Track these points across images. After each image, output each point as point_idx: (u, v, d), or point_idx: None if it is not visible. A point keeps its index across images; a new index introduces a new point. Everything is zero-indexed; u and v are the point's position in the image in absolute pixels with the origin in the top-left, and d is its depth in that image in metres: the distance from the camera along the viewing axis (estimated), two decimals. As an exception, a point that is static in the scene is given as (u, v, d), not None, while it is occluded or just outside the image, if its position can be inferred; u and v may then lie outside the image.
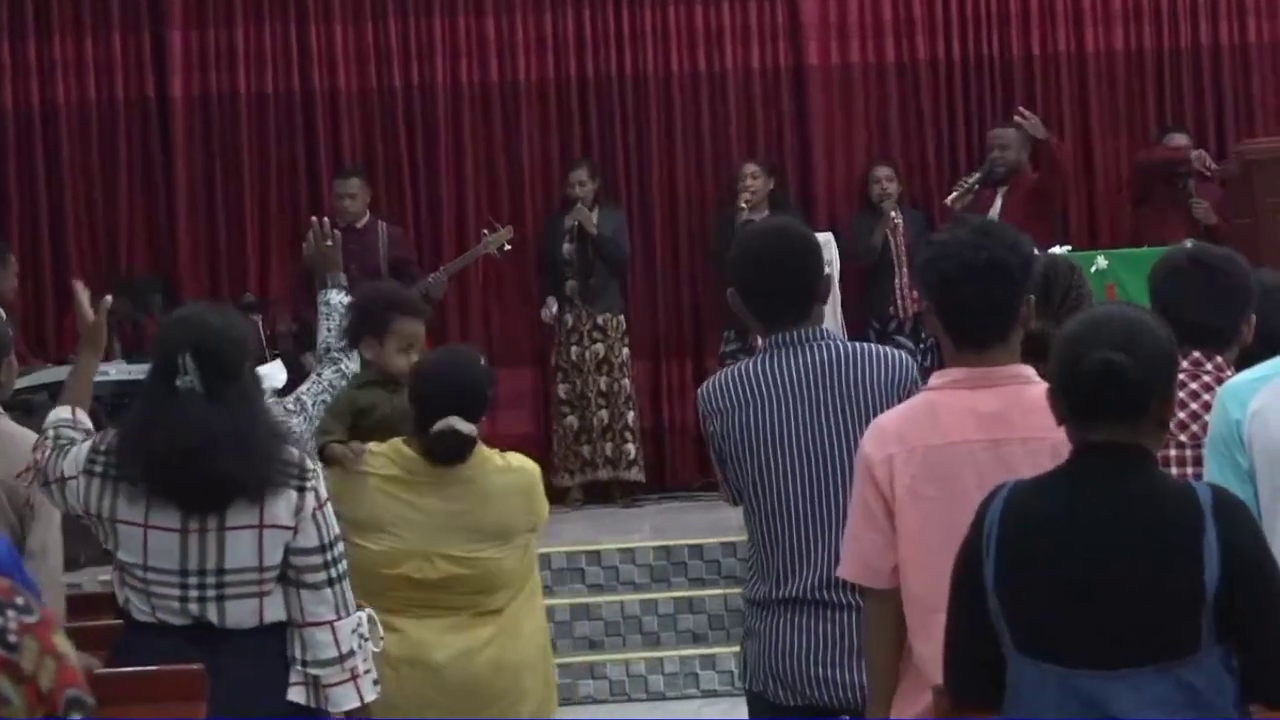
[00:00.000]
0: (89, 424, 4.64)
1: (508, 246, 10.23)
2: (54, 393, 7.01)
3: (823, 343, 4.38)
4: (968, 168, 10.68)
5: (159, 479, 4.24)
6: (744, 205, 10.23)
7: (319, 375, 5.54)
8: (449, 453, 5.04)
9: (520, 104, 11.03)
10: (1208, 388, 4.26)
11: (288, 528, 4.28)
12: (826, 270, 4.58)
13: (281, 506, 4.28)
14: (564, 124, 11.09)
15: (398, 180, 11.00)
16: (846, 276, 9.96)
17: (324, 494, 4.37)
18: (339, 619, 4.35)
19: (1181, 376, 4.03)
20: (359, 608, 4.47)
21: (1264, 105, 11.16)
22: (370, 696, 4.41)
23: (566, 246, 10.55)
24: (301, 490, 4.31)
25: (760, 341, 4.55)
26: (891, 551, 3.72)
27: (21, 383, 7.08)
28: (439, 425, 4.99)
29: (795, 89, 11.13)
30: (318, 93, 10.97)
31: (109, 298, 4.96)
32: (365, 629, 4.45)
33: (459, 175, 11.05)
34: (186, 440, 4.19)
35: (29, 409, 7.80)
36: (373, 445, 5.14)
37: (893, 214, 10.50)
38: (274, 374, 5.85)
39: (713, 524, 9.37)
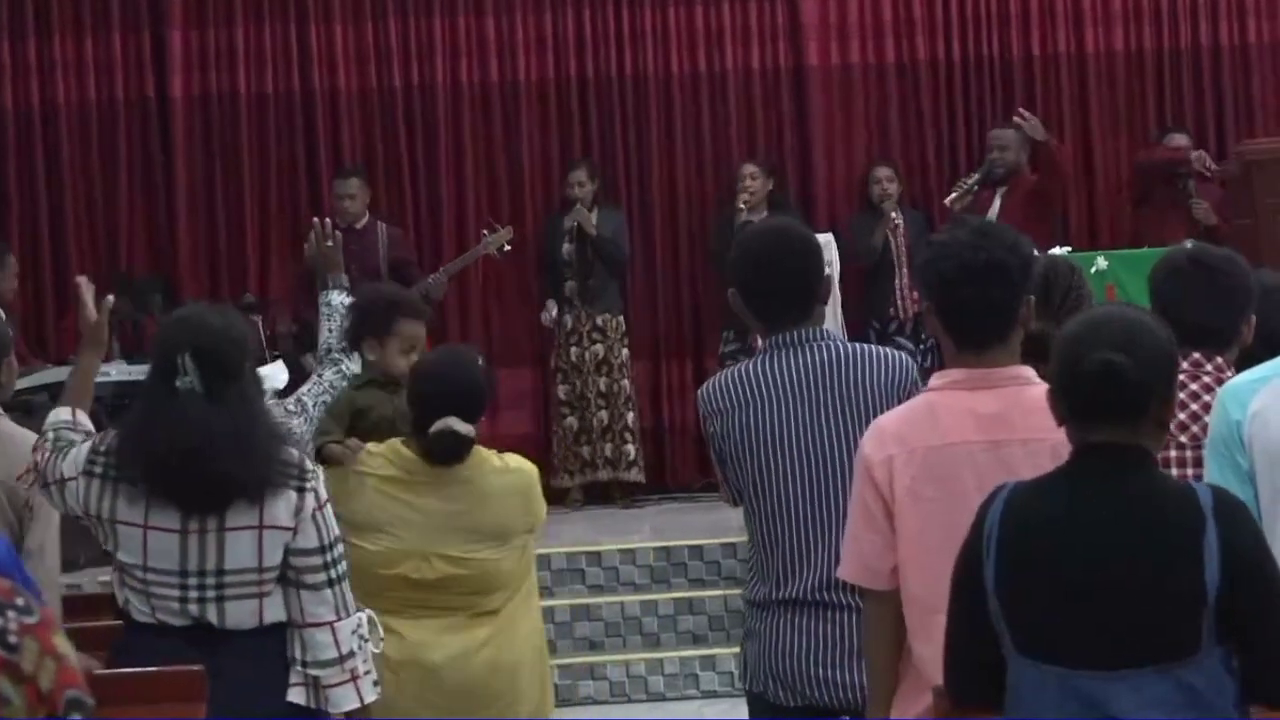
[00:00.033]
0: (89, 425, 4.64)
1: (507, 247, 10.24)
2: (54, 393, 7.02)
3: (823, 343, 4.38)
4: (968, 168, 10.69)
5: (159, 479, 4.23)
6: (742, 206, 10.24)
7: (320, 376, 5.54)
8: (447, 453, 5.04)
9: (520, 104, 11.03)
10: (1208, 388, 4.26)
11: (287, 528, 4.28)
12: (827, 271, 4.58)
13: (281, 507, 4.27)
14: (564, 124, 11.09)
15: (398, 180, 11.01)
16: (847, 277, 9.97)
17: (324, 495, 4.37)
18: (339, 620, 4.34)
19: (1182, 377, 4.03)
20: (359, 609, 4.47)
21: (1264, 105, 11.17)
22: (370, 697, 4.41)
23: (566, 247, 10.55)
24: (301, 491, 4.31)
25: (760, 342, 4.55)
26: (891, 553, 3.72)
27: (21, 383, 7.08)
28: (437, 425, 4.99)
29: (795, 89, 11.13)
30: (318, 93, 10.97)
31: (110, 298, 4.95)
32: (365, 630, 4.45)
33: (459, 175, 11.05)
34: (186, 440, 4.19)
35: (29, 409, 7.80)
36: (371, 445, 5.14)
37: (893, 214, 10.50)
38: (276, 375, 5.86)
39: (713, 525, 9.37)
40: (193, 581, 4.26)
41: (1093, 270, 8.91)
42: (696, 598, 9.08)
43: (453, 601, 5.08)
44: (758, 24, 11.10)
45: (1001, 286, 3.68)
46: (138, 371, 8.12)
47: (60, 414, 4.63)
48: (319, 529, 4.33)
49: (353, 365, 5.55)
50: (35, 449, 4.54)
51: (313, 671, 4.33)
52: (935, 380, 3.81)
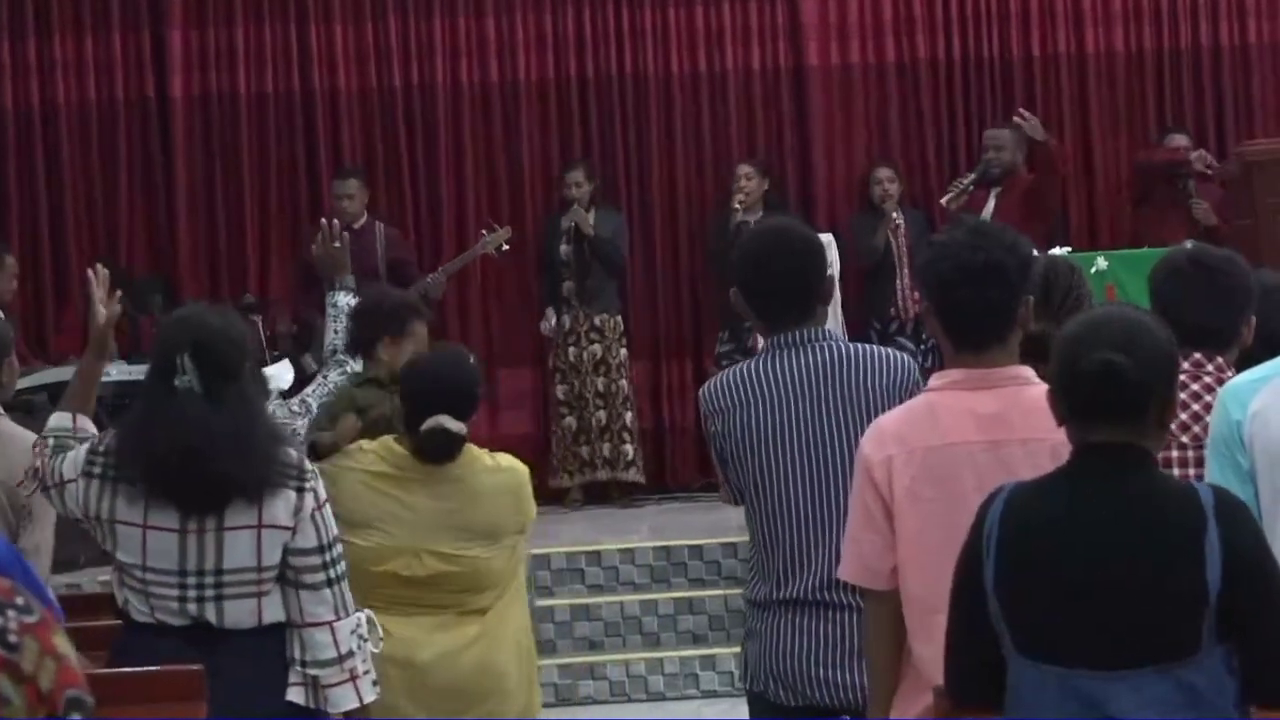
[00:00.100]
0: (92, 429, 4.62)
1: (505, 246, 10.24)
2: (54, 393, 7.02)
3: (824, 343, 4.38)
4: (968, 168, 10.68)
5: (158, 479, 4.23)
6: (737, 206, 10.24)
7: (324, 378, 5.56)
8: (438, 451, 5.06)
9: (520, 104, 11.03)
10: (1209, 389, 4.26)
11: (286, 528, 4.28)
12: (829, 271, 4.58)
13: (280, 507, 4.27)
14: (564, 124, 11.09)
15: (397, 180, 11.00)
16: (847, 277, 9.96)
17: (323, 495, 4.37)
18: (338, 619, 4.34)
19: (1182, 378, 4.03)
20: (358, 608, 4.47)
21: (1264, 105, 11.17)
22: (369, 697, 4.41)
23: (564, 247, 10.55)
24: (300, 491, 4.31)
25: (760, 341, 4.55)
26: (891, 553, 3.72)
27: (22, 383, 7.07)
28: (428, 423, 5.02)
29: (795, 89, 11.13)
30: (318, 93, 10.96)
31: (118, 306, 4.91)
32: (364, 630, 4.45)
33: (459, 175, 11.05)
34: (185, 440, 4.19)
35: (29, 409, 7.80)
36: (363, 442, 5.17)
37: (894, 214, 10.51)
38: (281, 374, 5.88)
39: (712, 525, 9.36)
40: (191, 581, 4.26)
41: (1093, 270, 8.91)
42: (696, 597, 9.07)
43: (443, 599, 5.09)
44: (758, 24, 11.10)
45: (1000, 287, 3.68)
46: (138, 372, 8.11)
47: (61, 420, 4.62)
48: (318, 529, 4.33)
49: (356, 366, 5.56)
50: (35, 453, 4.53)
51: (312, 671, 4.33)
52: (935, 380, 3.81)
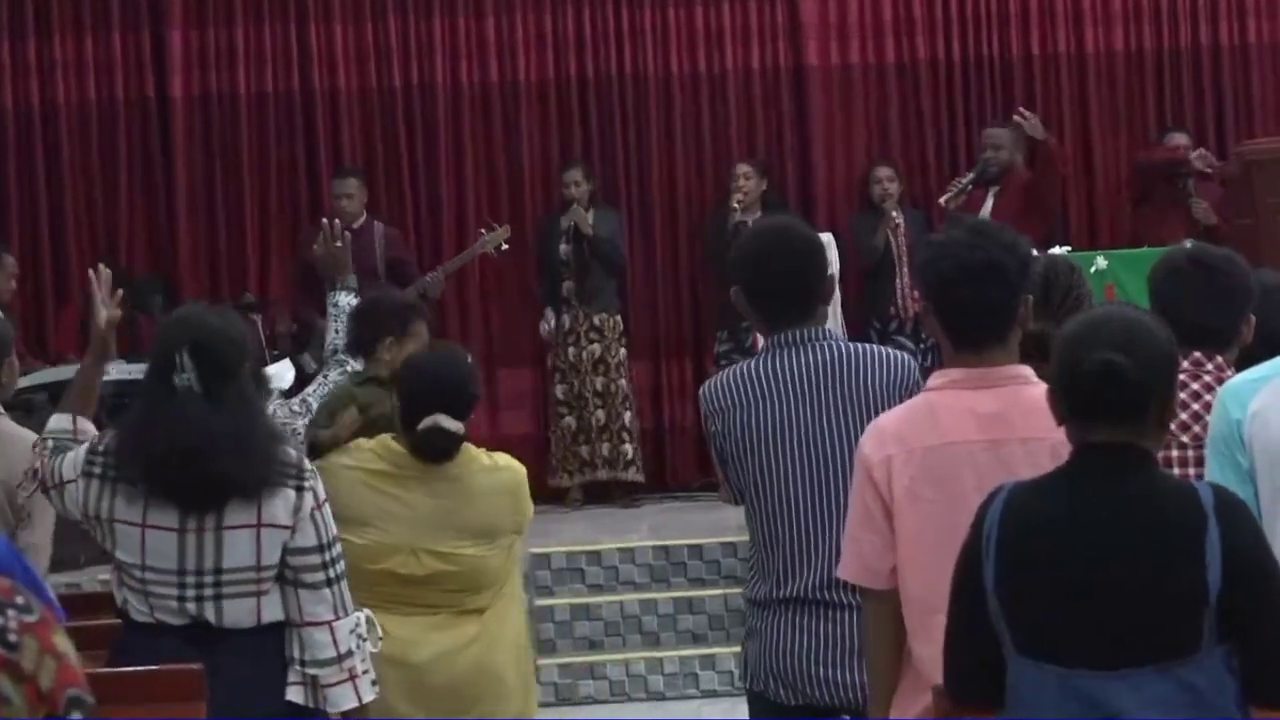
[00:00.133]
0: (92, 431, 4.62)
1: (505, 246, 10.24)
2: (54, 393, 7.01)
3: (824, 343, 4.38)
4: (968, 167, 10.67)
5: (158, 478, 4.23)
6: (736, 206, 10.24)
7: (325, 378, 5.56)
8: (435, 449, 5.07)
9: (520, 104, 11.03)
10: (1209, 388, 4.26)
11: (285, 527, 4.28)
12: (830, 270, 4.58)
13: (279, 506, 4.27)
14: (564, 124, 11.09)
15: (397, 180, 11.00)
16: (847, 277, 9.96)
17: (322, 494, 4.37)
18: (337, 619, 4.34)
19: (1182, 377, 4.03)
20: (357, 608, 4.47)
21: (1264, 105, 11.16)
22: (368, 697, 4.41)
23: (563, 247, 10.54)
24: (300, 490, 4.31)
25: (759, 341, 4.55)
26: (890, 552, 3.72)
27: (22, 383, 7.06)
28: (425, 422, 5.02)
29: (795, 89, 11.13)
30: (318, 93, 10.96)
31: (118, 310, 4.90)
32: (363, 629, 4.45)
33: (459, 175, 11.04)
34: (185, 439, 4.19)
35: (29, 409, 7.80)
36: (360, 440, 5.17)
37: (894, 214, 10.51)
38: (282, 373, 5.88)
39: (712, 524, 9.36)
40: (191, 580, 4.26)
41: (1093, 270, 8.90)
42: (696, 597, 9.07)
43: (440, 599, 5.09)
44: (758, 24, 11.10)
45: (999, 286, 3.68)
46: (137, 371, 8.10)
47: (61, 421, 4.62)
48: (317, 528, 4.32)
49: (357, 366, 5.57)
50: (34, 455, 4.53)
51: (311, 671, 4.32)
52: (934, 380, 3.81)
